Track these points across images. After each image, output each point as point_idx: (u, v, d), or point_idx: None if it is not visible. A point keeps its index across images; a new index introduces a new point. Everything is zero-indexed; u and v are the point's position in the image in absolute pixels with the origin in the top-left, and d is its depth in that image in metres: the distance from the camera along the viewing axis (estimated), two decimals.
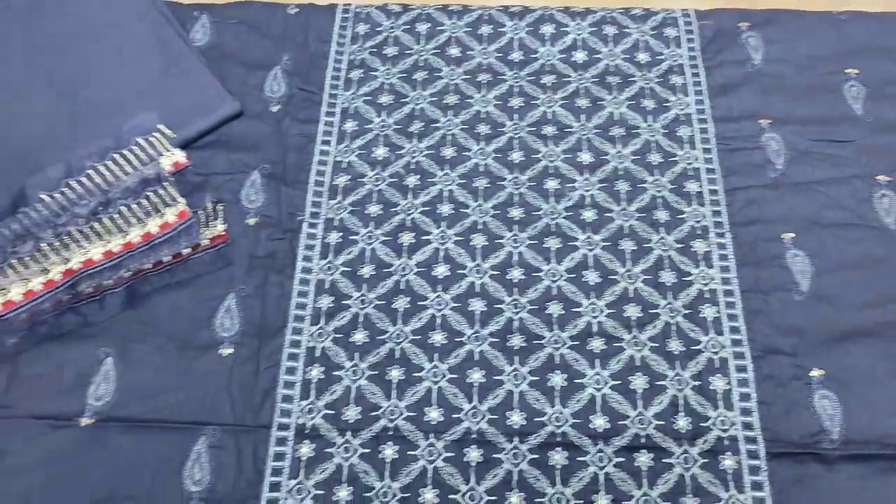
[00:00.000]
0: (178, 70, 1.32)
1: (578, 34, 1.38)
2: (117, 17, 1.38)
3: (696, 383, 1.06)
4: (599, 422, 1.04)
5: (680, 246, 1.17)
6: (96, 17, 1.38)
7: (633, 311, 1.12)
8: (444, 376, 1.07)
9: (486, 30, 1.39)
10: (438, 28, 1.39)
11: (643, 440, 1.02)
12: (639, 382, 1.07)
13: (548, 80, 1.33)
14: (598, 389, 1.06)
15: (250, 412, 1.05)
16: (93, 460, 1.02)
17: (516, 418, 1.04)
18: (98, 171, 1.21)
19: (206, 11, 1.42)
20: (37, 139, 1.25)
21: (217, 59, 1.36)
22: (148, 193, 1.18)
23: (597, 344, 1.09)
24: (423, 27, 1.40)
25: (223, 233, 1.18)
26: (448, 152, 1.26)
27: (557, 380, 1.07)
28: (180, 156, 1.24)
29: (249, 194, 1.22)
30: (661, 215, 1.20)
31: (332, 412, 1.05)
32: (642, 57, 1.36)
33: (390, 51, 1.37)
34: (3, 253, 1.14)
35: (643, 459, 1.01)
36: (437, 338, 1.10)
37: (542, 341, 1.10)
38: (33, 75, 1.32)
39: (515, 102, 1.31)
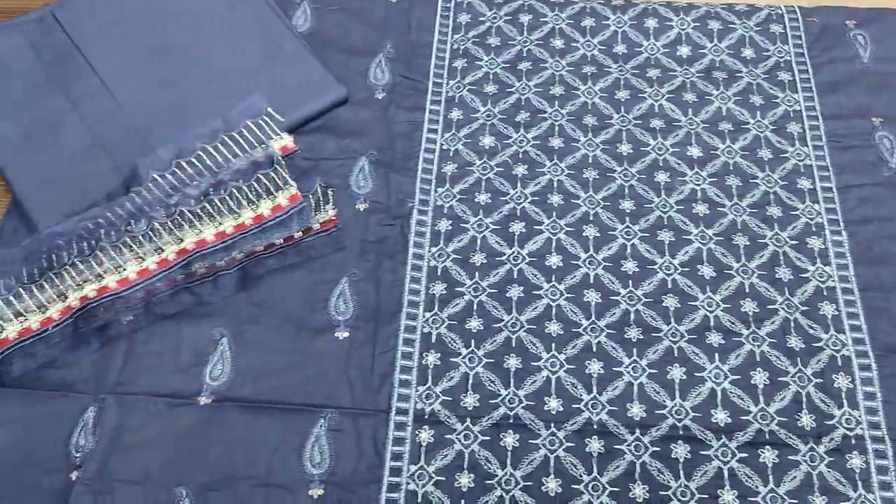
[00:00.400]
0: (283, 55, 1.32)
1: (682, 28, 1.37)
2: (219, 3, 1.38)
3: (819, 381, 1.04)
4: (721, 416, 1.03)
5: (795, 243, 1.16)
6: (198, 2, 1.38)
7: (749, 307, 1.10)
8: (562, 366, 1.06)
9: (588, 22, 1.38)
10: (541, 19, 1.39)
11: (767, 436, 1.01)
12: (759, 378, 1.05)
13: (653, 73, 1.32)
14: (718, 384, 1.05)
15: (369, 396, 1.05)
16: (212, 439, 1.02)
17: (636, 410, 1.03)
18: (208, 152, 1.22)
19: None
20: (143, 123, 1.26)
21: (319, 45, 1.36)
22: (259, 175, 1.18)
23: (715, 338, 1.08)
24: (525, 18, 1.39)
25: (334, 217, 1.18)
26: (556, 143, 1.25)
27: (677, 373, 1.06)
28: (288, 140, 1.24)
29: (358, 180, 1.22)
30: (774, 211, 1.18)
31: (450, 399, 1.04)
32: (748, 53, 1.35)
33: (493, 41, 1.37)
34: (118, 231, 1.14)
35: (768, 455, 1.00)
36: (554, 328, 1.09)
37: (660, 334, 1.08)
38: (137, 61, 1.32)
39: (622, 95, 1.30)
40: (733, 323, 1.09)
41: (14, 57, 1.33)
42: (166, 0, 1.39)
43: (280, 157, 1.19)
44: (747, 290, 1.12)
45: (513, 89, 1.31)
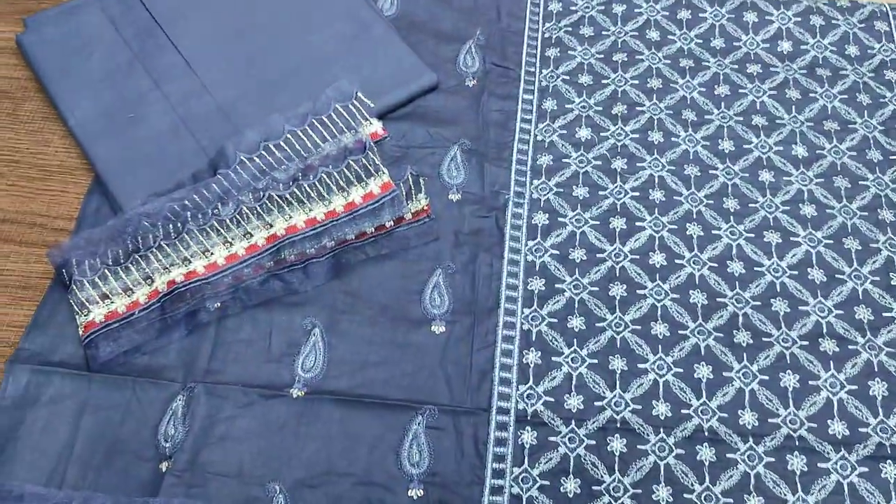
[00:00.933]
0: (371, 39, 1.28)
1: (783, 23, 1.32)
2: None
3: None
4: (838, 427, 0.98)
5: None
6: None
7: (864, 314, 1.06)
8: (670, 370, 1.02)
9: (685, 14, 1.33)
10: (636, 10, 1.34)
11: (889, 450, 0.96)
12: (878, 389, 1.00)
13: (753, 69, 1.27)
14: (835, 393, 1.00)
15: (468, 394, 1.01)
16: (307, 433, 0.98)
17: (748, 418, 0.98)
18: (297, 135, 1.18)
19: None
20: (228, 104, 1.22)
21: (406, 30, 1.32)
22: (350, 162, 1.14)
23: (829, 345, 1.03)
24: (619, 8, 1.34)
25: (426, 207, 1.14)
26: (655, 137, 1.21)
27: (789, 380, 1.01)
28: (378, 126, 1.20)
29: (450, 169, 1.18)
30: (887, 215, 1.13)
31: (553, 399, 1.00)
32: (852, 50, 1.29)
33: (586, 31, 1.32)
34: (205, 214, 1.10)
35: (890, 471, 0.95)
36: (660, 329, 1.05)
37: (771, 339, 1.04)
38: (221, 40, 1.29)
39: (721, 90, 1.25)
40: (847, 330, 1.04)
41: (94, 34, 1.30)
42: None
43: (372, 143, 1.15)
44: (861, 297, 1.07)
45: (608, 81, 1.26)
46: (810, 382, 1.01)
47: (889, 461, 0.96)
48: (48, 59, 1.27)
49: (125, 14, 1.32)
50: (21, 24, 1.33)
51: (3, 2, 1.37)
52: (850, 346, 1.03)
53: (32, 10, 1.35)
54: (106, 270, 1.07)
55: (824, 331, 1.04)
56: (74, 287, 1.05)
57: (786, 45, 1.30)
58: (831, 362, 1.02)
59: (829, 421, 0.98)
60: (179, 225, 1.10)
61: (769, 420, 0.98)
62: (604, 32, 1.32)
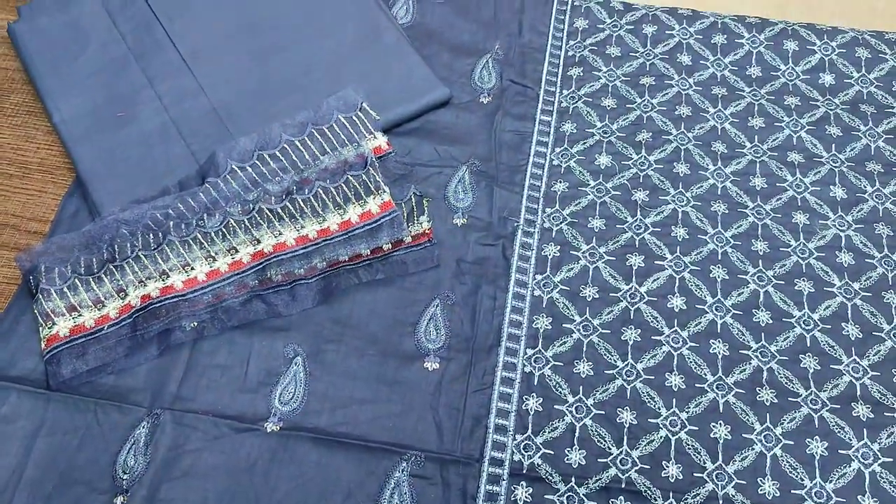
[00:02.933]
0: (382, 47, 1.20)
1: (826, 54, 1.22)
2: None
3: None
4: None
5: None
6: None
7: None
8: (684, 427, 0.92)
9: (719, 39, 1.24)
10: (667, 32, 1.25)
11: None
12: None
13: (791, 101, 1.18)
14: (867, 465, 0.90)
15: (459, 440, 0.91)
16: (279, 473, 0.89)
17: (769, 487, 0.88)
18: (294, 146, 1.09)
19: None
20: (224, 107, 1.14)
21: (421, 39, 1.24)
22: (349, 177, 1.05)
23: (862, 410, 0.93)
24: (649, 29, 1.25)
25: (428, 231, 1.05)
26: (681, 169, 1.11)
27: (817, 447, 0.91)
28: (383, 140, 1.12)
29: (457, 191, 1.09)
30: None
31: (552, 452, 0.90)
32: None
33: (613, 51, 1.23)
34: (189, 225, 1.02)
35: None
36: (675, 381, 0.95)
37: (798, 399, 0.93)
38: (222, 40, 1.21)
39: (755, 122, 1.16)
40: (884, 395, 0.94)
41: (90, 26, 1.23)
42: None
43: (374, 159, 1.07)
44: None
45: (634, 105, 1.17)
46: (840, 451, 0.91)
47: None
48: (39, 50, 1.20)
49: (125, 7, 1.25)
50: (15, 11, 1.26)
51: None
52: (886, 414, 0.93)
53: None
54: (77, 280, 0.99)
55: (858, 393, 0.94)
56: (40, 296, 0.97)
57: (828, 78, 1.20)
58: (865, 430, 0.92)
59: (859, 497, 0.88)
60: (160, 235, 1.02)
61: (792, 491, 0.88)
62: (631, 53, 1.23)
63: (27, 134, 1.15)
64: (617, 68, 1.21)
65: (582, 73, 1.21)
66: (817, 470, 0.90)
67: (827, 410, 0.93)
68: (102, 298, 0.98)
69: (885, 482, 0.89)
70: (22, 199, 1.09)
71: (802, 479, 0.89)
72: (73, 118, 1.14)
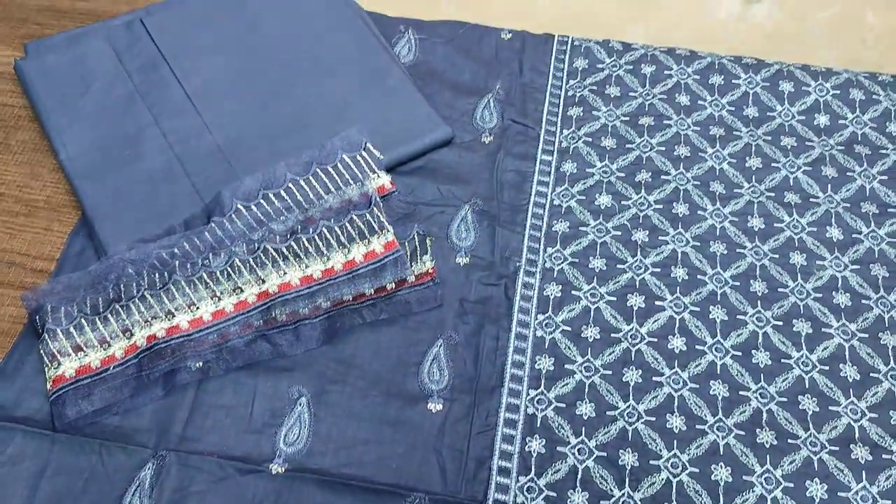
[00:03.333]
0: (385, 87, 1.22)
1: (821, 95, 1.25)
2: (319, 25, 1.28)
3: None
4: None
5: None
6: (297, 22, 1.29)
7: None
8: (685, 469, 0.93)
9: (717, 79, 1.26)
10: (665, 72, 1.27)
11: None
12: None
13: (787, 142, 1.20)
14: None
15: (462, 483, 0.92)
16: None
17: None
18: (299, 185, 1.11)
19: (412, 26, 1.31)
20: (229, 146, 1.16)
21: (423, 79, 1.25)
22: (353, 216, 1.06)
23: (861, 452, 0.94)
24: (648, 69, 1.27)
25: (431, 271, 1.06)
26: (680, 209, 1.13)
27: (816, 490, 0.92)
28: (386, 179, 1.13)
29: (460, 231, 1.10)
30: None
31: (556, 494, 0.91)
32: (893, 128, 1.22)
33: (612, 91, 1.25)
34: (195, 265, 1.03)
35: None
36: (676, 422, 0.96)
37: (797, 441, 0.95)
38: (228, 80, 1.23)
39: (753, 163, 1.18)
40: (882, 437, 0.95)
41: (98, 62, 1.24)
42: (262, 17, 1.29)
43: (378, 198, 1.08)
44: None
45: (633, 145, 1.19)
46: (840, 494, 0.92)
47: None
48: (46, 87, 1.22)
49: (131, 45, 1.26)
50: (22, 49, 1.27)
51: (7, 25, 1.32)
52: (884, 456, 0.94)
53: (35, 35, 1.30)
54: (83, 320, 1.00)
55: (856, 436, 0.95)
56: (46, 336, 0.98)
57: (823, 119, 1.23)
58: (864, 472, 0.93)
59: None
60: (166, 275, 1.03)
61: None
62: (631, 94, 1.25)
63: (33, 171, 1.16)
64: (616, 108, 1.23)
65: (582, 113, 1.23)
66: None
67: (826, 452, 0.94)
68: (108, 338, 0.99)
69: None
70: (28, 238, 1.10)
71: None
72: (79, 156, 1.15)
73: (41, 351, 0.98)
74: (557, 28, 1.32)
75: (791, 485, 0.92)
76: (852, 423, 0.96)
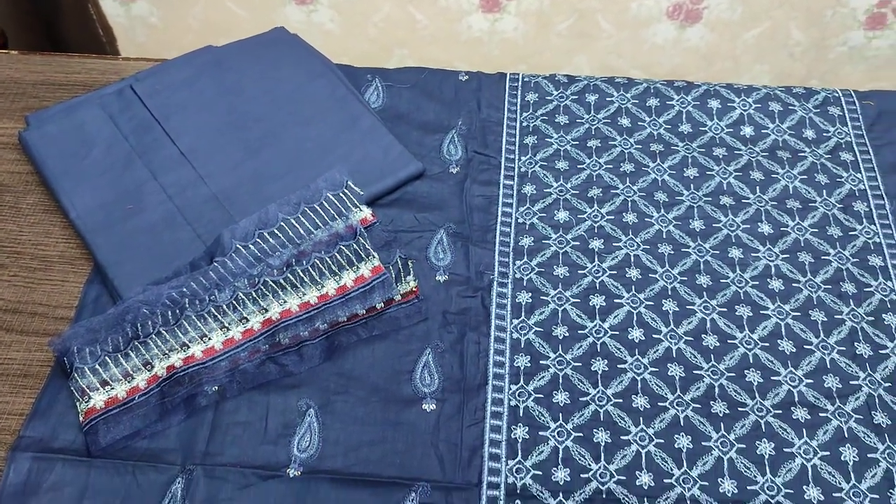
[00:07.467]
0: (359, 130, 1.36)
1: (744, 109, 1.42)
2: (296, 79, 1.43)
3: None
4: (814, 493, 1.02)
5: (871, 319, 1.17)
6: (276, 78, 1.43)
7: (832, 382, 1.11)
8: (652, 441, 1.06)
9: (653, 102, 1.43)
10: (607, 99, 1.43)
11: None
12: (849, 454, 1.05)
13: (719, 152, 1.36)
14: (808, 460, 1.05)
15: (459, 470, 1.04)
16: None
17: (728, 486, 1.03)
18: (290, 223, 1.24)
19: (378, 75, 1.46)
20: (224, 194, 1.28)
21: (392, 121, 1.40)
22: (342, 247, 1.20)
23: (800, 413, 1.08)
24: (591, 98, 1.43)
25: (415, 289, 1.19)
26: (629, 218, 1.28)
27: (765, 448, 1.06)
28: (367, 212, 1.26)
29: (437, 252, 1.24)
30: (849, 288, 1.20)
31: (541, 473, 1.04)
32: (809, 133, 1.39)
33: (561, 119, 1.41)
34: (203, 301, 1.15)
35: None
36: (640, 402, 1.10)
37: (746, 408, 1.09)
38: (216, 134, 1.36)
39: (690, 172, 1.33)
40: (818, 398, 1.10)
41: (94, 129, 1.36)
42: (243, 76, 1.43)
43: (362, 229, 1.21)
44: (829, 366, 1.13)
45: (583, 166, 1.34)
46: (785, 450, 1.06)
47: None
48: (49, 154, 1.33)
49: (124, 111, 1.38)
50: (23, 120, 1.39)
51: (7, 100, 1.44)
52: (821, 414, 1.08)
53: (34, 107, 1.42)
54: (106, 357, 1.11)
55: (796, 399, 1.10)
56: (75, 375, 1.09)
57: (748, 130, 1.39)
58: (804, 430, 1.07)
59: (804, 487, 1.03)
60: (178, 311, 1.15)
61: (748, 487, 1.03)
62: (578, 120, 1.40)
63: (45, 230, 1.28)
64: (566, 134, 1.39)
65: (536, 141, 1.38)
66: (767, 467, 1.05)
67: (771, 416, 1.09)
68: (131, 372, 1.11)
69: (825, 472, 1.04)
70: (46, 290, 1.21)
71: (755, 477, 1.04)
72: (87, 213, 1.26)
73: (71, 388, 1.09)
74: (509, 66, 1.48)
75: (743, 446, 1.06)
76: (791, 389, 1.11)
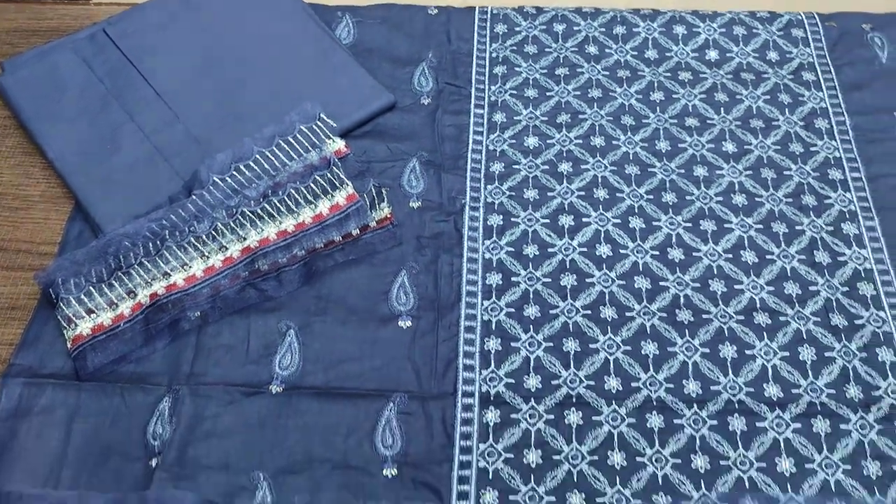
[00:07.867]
0: (331, 65, 1.38)
1: (709, 34, 1.44)
2: (267, 18, 1.44)
3: (864, 355, 1.10)
4: (773, 390, 1.07)
5: (830, 229, 1.21)
6: (248, 18, 1.44)
7: (792, 289, 1.16)
8: (619, 348, 1.11)
9: (620, 30, 1.45)
10: (574, 28, 1.46)
11: (818, 407, 1.06)
12: (807, 354, 1.10)
13: (684, 76, 1.39)
14: (769, 360, 1.10)
15: (435, 381, 1.09)
16: (286, 424, 1.05)
17: (692, 387, 1.08)
18: (265, 156, 1.26)
19: (348, 12, 1.48)
20: (200, 132, 1.30)
21: (363, 55, 1.42)
22: (316, 177, 1.23)
23: (762, 318, 1.13)
24: (559, 27, 1.46)
25: (389, 215, 1.23)
26: (597, 141, 1.31)
27: (728, 351, 1.10)
28: (341, 144, 1.29)
29: (410, 180, 1.27)
30: (809, 200, 1.24)
31: (513, 381, 1.09)
32: (772, 55, 1.42)
33: (530, 49, 1.43)
34: (182, 232, 1.18)
35: (820, 425, 1.04)
36: (608, 312, 1.14)
37: (710, 315, 1.13)
38: (190, 73, 1.38)
39: (656, 97, 1.37)
40: (778, 304, 1.14)
41: (68, 73, 1.38)
42: (214, 16, 1.45)
43: (336, 160, 1.24)
44: (789, 274, 1.17)
45: (552, 93, 1.37)
46: (747, 352, 1.10)
47: (819, 417, 1.05)
48: (25, 98, 1.35)
49: (97, 54, 1.40)
50: None
51: None
52: (781, 318, 1.13)
53: (8, 54, 1.43)
54: (91, 287, 1.14)
55: (758, 305, 1.14)
56: (61, 304, 1.12)
57: (713, 54, 1.42)
58: (765, 333, 1.12)
59: (764, 385, 1.08)
60: (158, 242, 1.18)
61: (711, 388, 1.08)
62: (546, 49, 1.43)
63: (26, 171, 1.30)
64: (535, 63, 1.41)
65: (506, 71, 1.40)
66: (730, 369, 1.09)
67: (734, 322, 1.13)
68: (115, 300, 1.14)
69: (784, 372, 1.09)
70: (29, 228, 1.24)
71: (718, 378, 1.09)
72: (66, 154, 1.28)
73: (58, 317, 1.12)
74: (477, 1, 1.50)
75: (707, 350, 1.11)
76: (753, 296, 1.16)
